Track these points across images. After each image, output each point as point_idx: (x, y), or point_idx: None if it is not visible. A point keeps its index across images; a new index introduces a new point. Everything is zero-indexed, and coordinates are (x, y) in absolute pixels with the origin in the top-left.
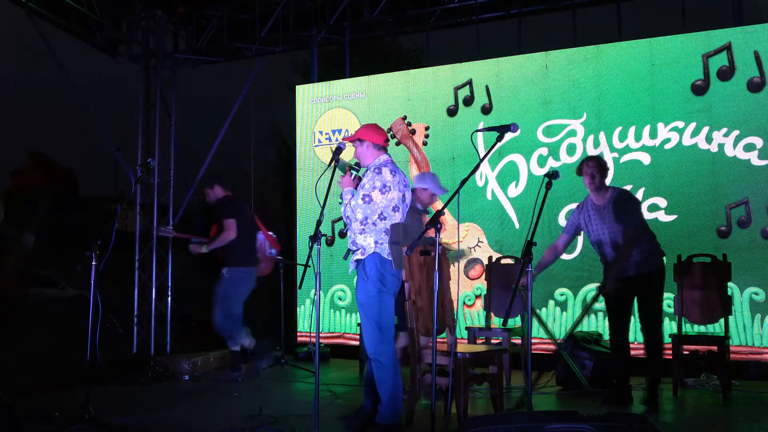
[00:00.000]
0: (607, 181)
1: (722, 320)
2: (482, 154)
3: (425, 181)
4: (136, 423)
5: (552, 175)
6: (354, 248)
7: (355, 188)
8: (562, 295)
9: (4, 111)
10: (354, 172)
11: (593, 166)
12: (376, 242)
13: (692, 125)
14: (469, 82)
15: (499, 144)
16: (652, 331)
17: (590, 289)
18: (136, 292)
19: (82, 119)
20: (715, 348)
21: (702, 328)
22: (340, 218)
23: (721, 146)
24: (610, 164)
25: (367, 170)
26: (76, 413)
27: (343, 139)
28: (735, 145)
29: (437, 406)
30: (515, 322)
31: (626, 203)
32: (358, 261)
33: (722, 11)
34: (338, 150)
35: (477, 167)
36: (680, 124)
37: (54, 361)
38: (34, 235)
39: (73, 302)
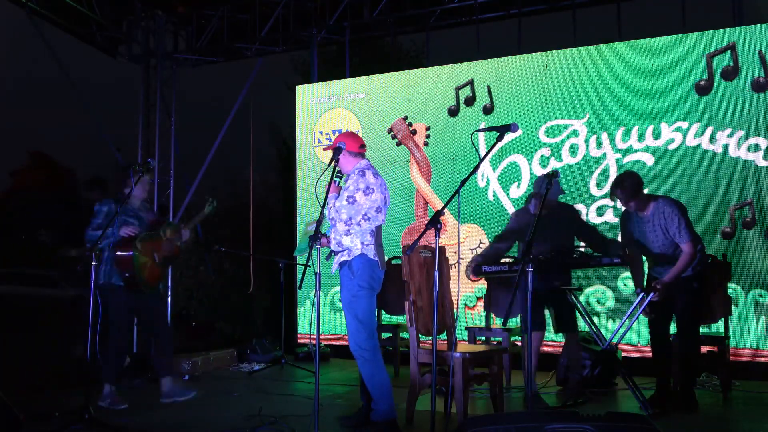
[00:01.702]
0: (640, 195)
1: (722, 320)
2: (483, 154)
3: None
4: (136, 423)
5: (552, 175)
6: (339, 249)
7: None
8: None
9: (4, 111)
10: (338, 179)
11: (615, 193)
12: (362, 243)
13: (696, 125)
14: (471, 82)
15: (499, 144)
16: (684, 333)
17: (592, 290)
18: None
19: (82, 119)
20: (715, 348)
21: (703, 328)
22: None
23: (725, 147)
24: (613, 170)
25: (348, 175)
26: (76, 413)
27: (324, 149)
28: (739, 146)
29: (437, 406)
30: (516, 322)
31: (671, 216)
32: (344, 262)
33: (722, 11)
34: (338, 150)
35: (477, 167)
36: (684, 124)
37: (54, 361)
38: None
39: (73, 302)
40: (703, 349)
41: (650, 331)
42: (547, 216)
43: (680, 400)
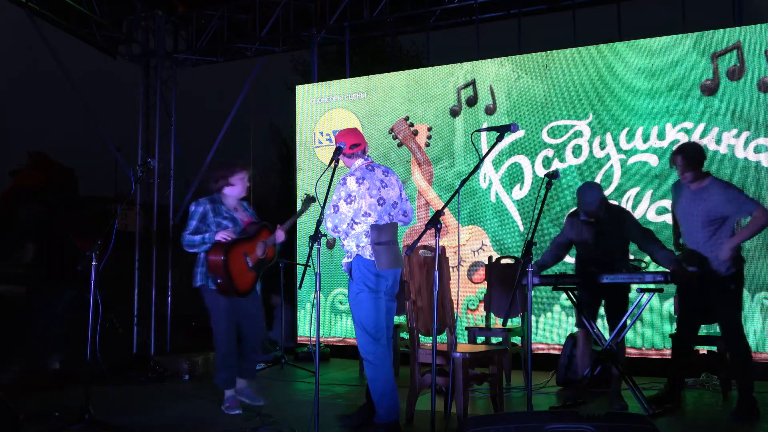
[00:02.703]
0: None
1: None
2: (483, 154)
3: (579, 193)
4: (136, 423)
5: (552, 175)
6: (345, 252)
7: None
8: (567, 299)
9: (5, 111)
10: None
11: (675, 160)
12: (357, 246)
13: (701, 126)
14: (473, 82)
15: (499, 144)
16: (733, 338)
17: None
18: (136, 292)
19: (82, 119)
20: (715, 348)
21: (708, 328)
22: None
23: (730, 147)
24: (617, 171)
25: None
26: (76, 413)
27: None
28: (745, 147)
29: (437, 406)
30: (517, 321)
31: (728, 189)
32: (347, 265)
33: (723, 11)
34: (338, 150)
35: (477, 167)
36: (689, 125)
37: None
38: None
39: (73, 302)
40: (703, 349)
41: (677, 328)
42: (595, 225)
43: (741, 408)
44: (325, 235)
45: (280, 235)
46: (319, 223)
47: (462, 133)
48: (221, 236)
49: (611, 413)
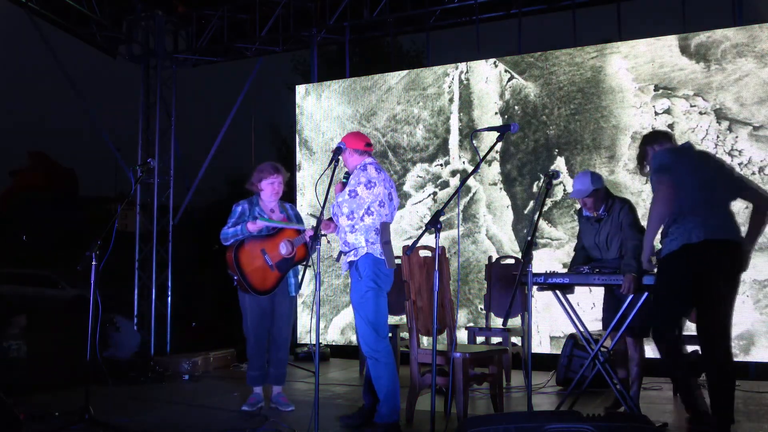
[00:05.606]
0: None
1: None
2: (483, 154)
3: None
4: (136, 423)
5: (552, 175)
6: (347, 249)
7: None
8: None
9: (4, 111)
10: (345, 181)
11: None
12: (367, 241)
13: (708, 127)
14: (469, 82)
15: (499, 144)
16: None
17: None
18: (136, 292)
19: (82, 119)
20: None
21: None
22: None
23: (738, 148)
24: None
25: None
26: (76, 413)
27: (333, 150)
28: (753, 147)
29: (437, 406)
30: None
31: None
32: (351, 262)
33: (723, 11)
34: (338, 150)
35: (477, 167)
36: (695, 125)
37: (54, 361)
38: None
39: (73, 302)
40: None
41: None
42: (596, 221)
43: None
44: (325, 235)
45: (309, 233)
46: (319, 223)
47: (457, 132)
48: (251, 227)
49: (611, 413)
